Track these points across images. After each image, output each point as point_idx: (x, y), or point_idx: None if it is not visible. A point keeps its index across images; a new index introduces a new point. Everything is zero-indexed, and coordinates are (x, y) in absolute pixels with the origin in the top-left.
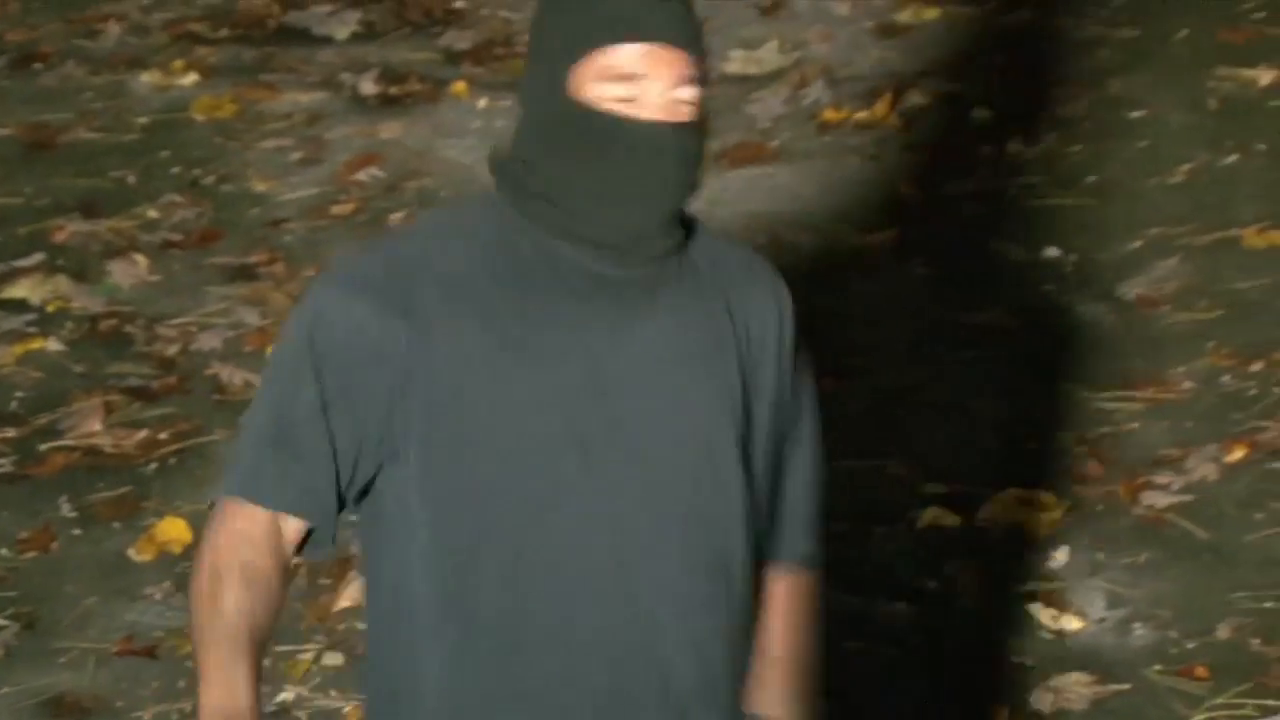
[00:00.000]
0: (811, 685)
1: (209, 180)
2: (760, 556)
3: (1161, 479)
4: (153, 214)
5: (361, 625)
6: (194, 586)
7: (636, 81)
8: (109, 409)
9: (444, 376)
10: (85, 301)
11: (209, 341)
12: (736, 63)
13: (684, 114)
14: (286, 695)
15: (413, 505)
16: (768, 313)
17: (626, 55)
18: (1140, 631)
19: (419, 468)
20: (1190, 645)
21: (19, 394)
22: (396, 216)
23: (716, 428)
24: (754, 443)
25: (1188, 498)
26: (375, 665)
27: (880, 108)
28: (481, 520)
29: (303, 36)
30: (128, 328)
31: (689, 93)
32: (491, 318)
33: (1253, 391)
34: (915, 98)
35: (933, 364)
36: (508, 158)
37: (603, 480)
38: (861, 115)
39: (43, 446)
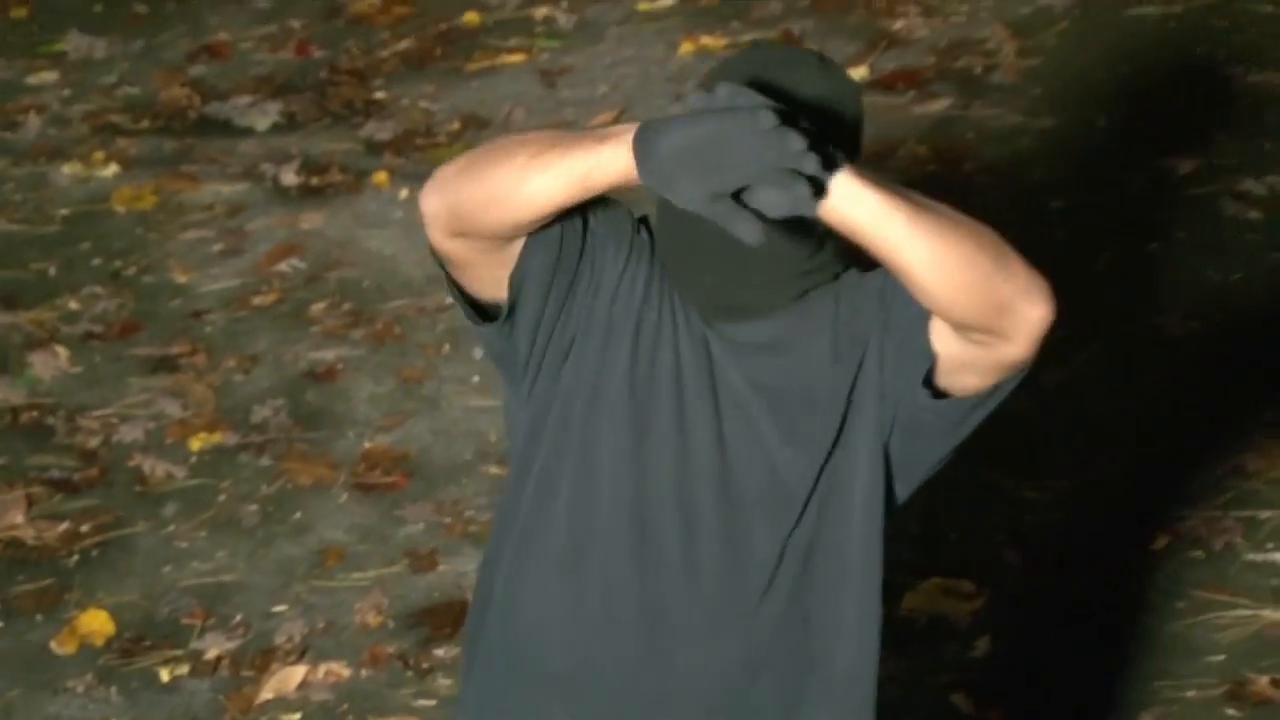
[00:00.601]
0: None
1: (130, 271)
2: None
3: (1082, 567)
4: (74, 305)
5: (284, 716)
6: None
7: None
8: (30, 501)
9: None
10: (6, 393)
11: (130, 433)
12: None
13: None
14: None
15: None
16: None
17: None
18: None
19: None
20: None
21: None
22: (318, 307)
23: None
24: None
25: (1109, 586)
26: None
27: None
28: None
29: (223, 127)
30: (49, 419)
31: None
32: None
33: (1174, 480)
34: None
35: None
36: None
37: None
38: None
39: None
